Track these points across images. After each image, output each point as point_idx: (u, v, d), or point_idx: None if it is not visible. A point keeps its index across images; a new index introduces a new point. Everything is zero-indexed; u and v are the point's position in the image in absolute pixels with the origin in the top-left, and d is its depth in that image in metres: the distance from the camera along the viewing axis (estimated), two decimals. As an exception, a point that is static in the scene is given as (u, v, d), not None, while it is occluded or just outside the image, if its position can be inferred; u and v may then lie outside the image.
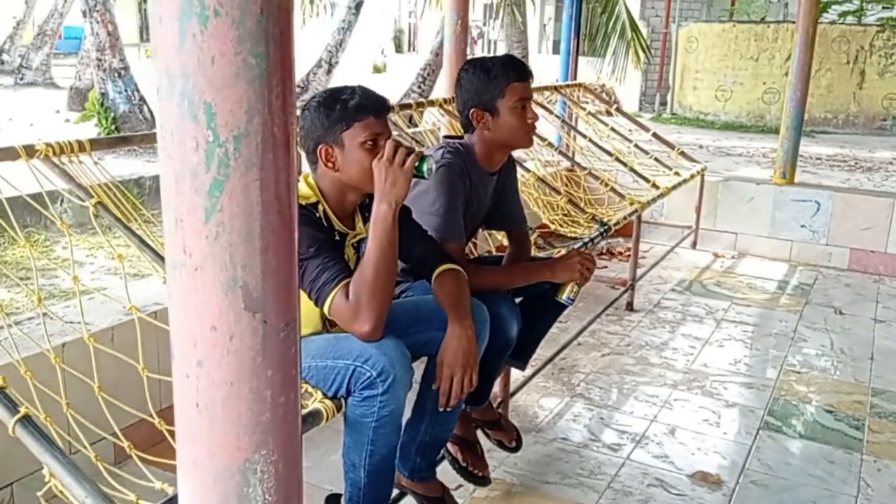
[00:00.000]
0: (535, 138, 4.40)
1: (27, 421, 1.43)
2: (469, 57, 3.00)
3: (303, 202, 1.81)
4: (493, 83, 2.18)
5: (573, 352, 3.41)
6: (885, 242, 4.76)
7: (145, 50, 17.77)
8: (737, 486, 2.46)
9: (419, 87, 12.02)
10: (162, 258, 1.94)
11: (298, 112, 1.77)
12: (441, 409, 1.87)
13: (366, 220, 1.94)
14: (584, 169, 4.05)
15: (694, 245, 5.16)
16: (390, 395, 1.69)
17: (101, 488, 1.40)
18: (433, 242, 2.08)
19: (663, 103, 16.63)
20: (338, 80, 14.62)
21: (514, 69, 2.19)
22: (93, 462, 1.57)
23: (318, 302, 1.72)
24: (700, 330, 3.78)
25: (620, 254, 4.98)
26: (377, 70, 27.12)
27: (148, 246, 1.94)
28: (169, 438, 1.66)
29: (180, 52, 0.70)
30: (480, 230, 2.68)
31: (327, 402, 1.73)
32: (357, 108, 1.77)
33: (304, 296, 1.82)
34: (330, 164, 1.79)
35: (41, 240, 4.93)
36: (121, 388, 1.85)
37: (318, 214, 1.83)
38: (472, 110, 2.19)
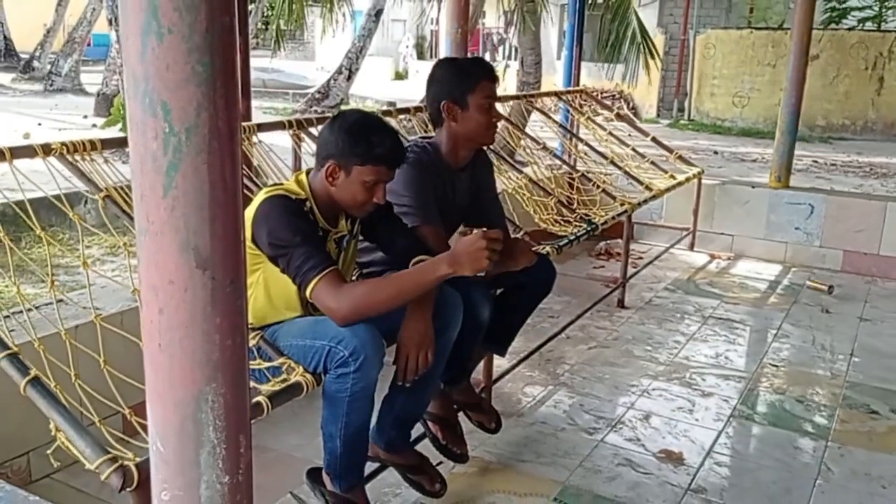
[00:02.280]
0: (532, 143, 4.58)
1: (37, 382, 1.63)
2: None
3: (292, 197, 2.01)
4: (466, 79, 2.38)
5: (561, 344, 3.57)
6: (878, 244, 4.87)
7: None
8: (701, 466, 2.61)
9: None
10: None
11: (323, 115, 1.96)
12: (400, 384, 2.05)
13: (347, 219, 2.14)
14: (579, 172, 4.21)
15: (692, 247, 5.29)
16: (362, 373, 1.88)
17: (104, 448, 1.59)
18: (413, 237, 2.27)
19: (681, 109, 16.68)
20: (358, 85, 14.88)
21: (484, 68, 2.39)
22: (102, 431, 1.75)
23: (302, 286, 1.91)
24: (687, 326, 3.92)
25: (618, 254, 5.13)
26: (399, 77, 27.38)
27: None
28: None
29: (142, 62, 0.89)
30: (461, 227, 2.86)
31: (308, 376, 1.92)
32: (379, 157, 1.97)
33: (289, 284, 2.02)
34: (330, 179, 1.99)
35: (65, 238, 5.18)
36: (129, 370, 2.04)
37: (305, 209, 2.03)
38: (443, 102, 2.38)
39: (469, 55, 3.94)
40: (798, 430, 2.90)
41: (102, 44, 16.90)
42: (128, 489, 1.50)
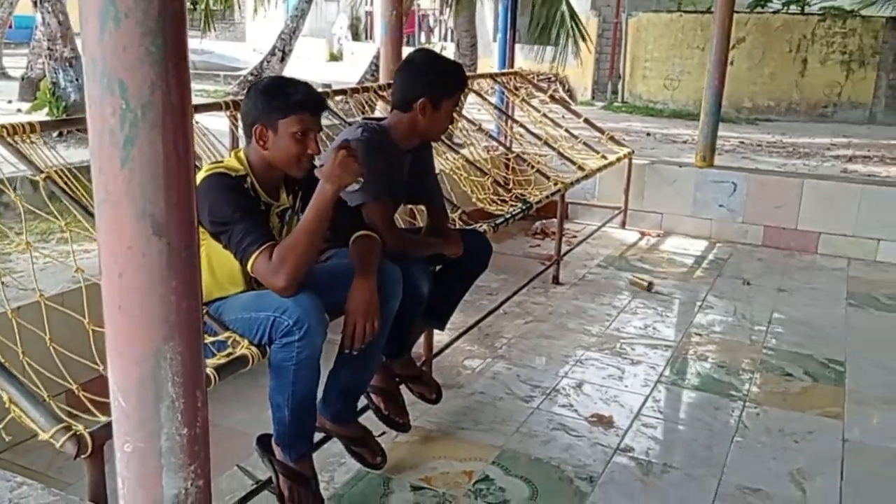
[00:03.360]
0: (469, 124, 4.68)
1: (-14, 357, 1.66)
2: (423, 46, 3.29)
3: (232, 174, 2.07)
4: (448, 85, 2.48)
5: (498, 319, 3.70)
6: (796, 220, 5.14)
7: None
8: (629, 428, 2.77)
9: (372, 74, 12.23)
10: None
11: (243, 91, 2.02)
12: (348, 352, 2.14)
13: (289, 193, 2.21)
14: (514, 153, 4.34)
15: (623, 224, 5.49)
16: (306, 342, 1.95)
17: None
18: (354, 214, 2.35)
19: (615, 92, 17.00)
20: (292, 67, 14.73)
21: (463, 80, 2.53)
22: (52, 407, 1.79)
23: (243, 261, 1.98)
24: (618, 300, 4.10)
25: (553, 233, 5.28)
26: (334, 58, 27.08)
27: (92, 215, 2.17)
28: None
29: (101, 43, 0.96)
30: (403, 206, 2.95)
31: (253, 348, 1.99)
32: (297, 103, 2.04)
33: (231, 259, 2.08)
34: (261, 143, 2.06)
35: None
36: (74, 349, 2.08)
37: (246, 185, 2.09)
38: (422, 98, 2.45)
39: (405, 37, 4.02)
40: (719, 392, 3.09)
41: (25, 26, 16.32)
42: (82, 456, 1.55)
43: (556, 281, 4.31)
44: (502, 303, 3.75)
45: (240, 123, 2.97)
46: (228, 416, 2.76)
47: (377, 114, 4.06)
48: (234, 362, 1.94)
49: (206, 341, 2.07)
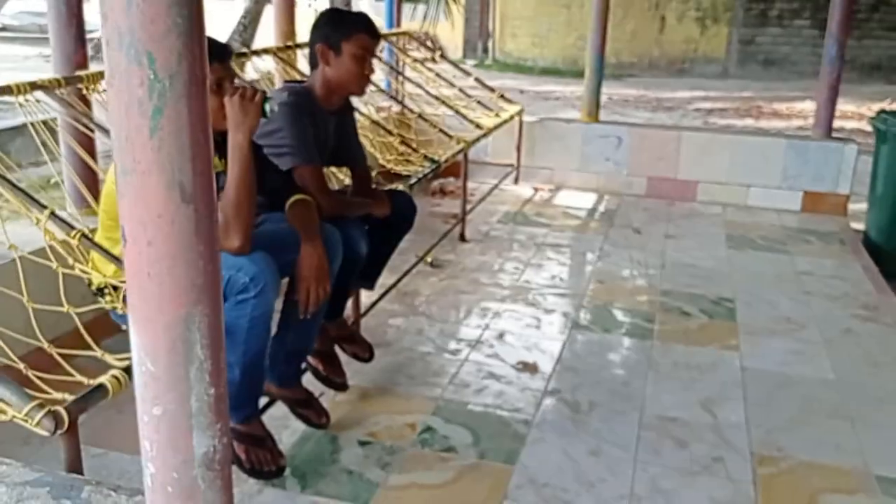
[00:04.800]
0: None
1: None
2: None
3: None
4: (342, 26, 2.48)
5: (414, 279, 3.79)
6: (675, 170, 5.49)
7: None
8: (553, 372, 2.95)
9: (240, 35, 11.83)
10: (35, 201, 2.10)
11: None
12: (302, 318, 2.18)
13: (221, 156, 2.19)
14: (415, 113, 4.39)
15: (516, 181, 5.68)
16: (261, 298, 1.97)
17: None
18: (284, 176, 2.36)
19: (485, 50, 17.23)
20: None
21: (363, 22, 2.51)
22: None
23: None
24: (523, 254, 4.28)
25: (452, 192, 5.41)
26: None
27: (20, 189, 2.08)
28: (63, 363, 1.87)
29: (128, 16, 0.96)
30: (326, 168, 2.97)
31: (206, 315, 1.99)
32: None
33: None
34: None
35: None
36: (10, 324, 2.01)
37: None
38: (318, 45, 2.48)
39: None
40: (627, 333, 3.32)
41: None
42: (59, 432, 1.53)
43: (462, 238, 4.43)
44: (418, 261, 3.84)
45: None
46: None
47: (278, 76, 4.01)
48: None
49: (153, 313, 2.05)
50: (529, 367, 2.97)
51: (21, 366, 1.86)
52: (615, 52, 16.31)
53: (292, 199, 2.27)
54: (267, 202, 2.37)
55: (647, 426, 2.59)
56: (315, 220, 2.24)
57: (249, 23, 11.67)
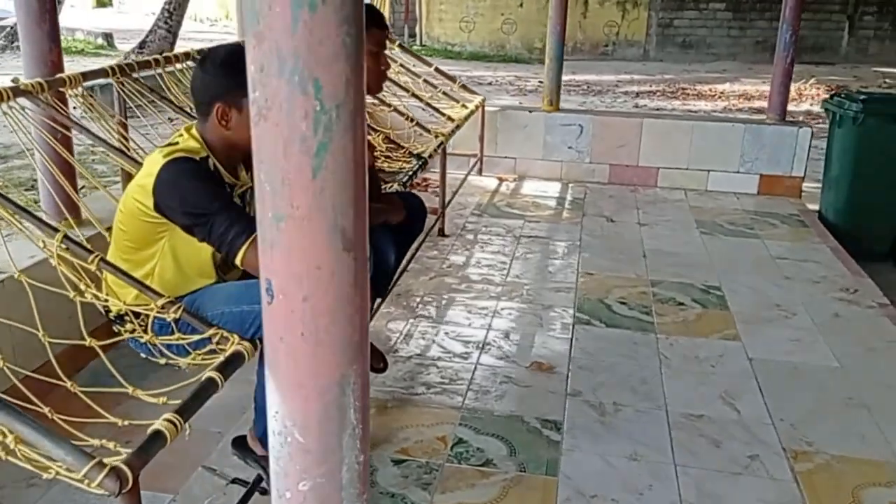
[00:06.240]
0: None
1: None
2: None
3: (195, 157, 1.86)
4: None
5: (405, 279, 3.67)
6: (637, 157, 5.50)
7: None
8: (568, 372, 2.89)
9: (166, 22, 11.34)
10: (44, 223, 1.90)
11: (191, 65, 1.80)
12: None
13: (248, 171, 2.03)
14: (390, 106, 4.25)
15: (480, 171, 5.60)
16: None
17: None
18: None
19: (412, 35, 17.05)
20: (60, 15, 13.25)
21: (373, 17, 2.35)
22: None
23: (230, 255, 1.80)
24: (505, 247, 4.21)
25: (419, 185, 5.29)
26: (102, 4, 24.80)
27: (27, 212, 1.88)
28: (92, 404, 1.70)
29: (293, 36, 0.83)
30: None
31: (245, 343, 1.84)
32: None
33: (200, 251, 1.89)
34: (223, 123, 1.86)
35: None
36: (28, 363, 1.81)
37: (209, 167, 1.90)
38: None
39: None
40: (630, 327, 3.29)
41: None
42: (123, 492, 1.37)
43: (441, 233, 4.33)
44: (408, 262, 3.72)
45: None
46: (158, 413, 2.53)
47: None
48: (231, 360, 1.79)
49: (182, 341, 1.89)
50: (544, 368, 2.91)
51: (45, 409, 1.68)
52: (542, 36, 16.38)
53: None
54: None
55: (676, 426, 2.56)
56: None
57: (175, 9, 11.18)
